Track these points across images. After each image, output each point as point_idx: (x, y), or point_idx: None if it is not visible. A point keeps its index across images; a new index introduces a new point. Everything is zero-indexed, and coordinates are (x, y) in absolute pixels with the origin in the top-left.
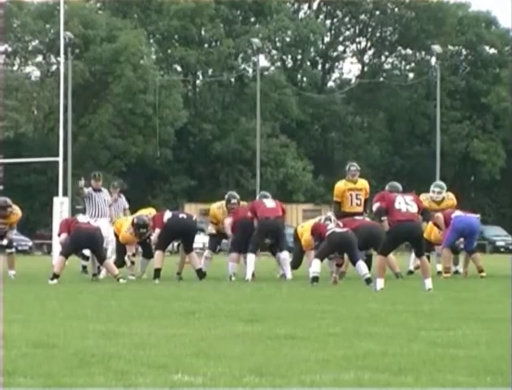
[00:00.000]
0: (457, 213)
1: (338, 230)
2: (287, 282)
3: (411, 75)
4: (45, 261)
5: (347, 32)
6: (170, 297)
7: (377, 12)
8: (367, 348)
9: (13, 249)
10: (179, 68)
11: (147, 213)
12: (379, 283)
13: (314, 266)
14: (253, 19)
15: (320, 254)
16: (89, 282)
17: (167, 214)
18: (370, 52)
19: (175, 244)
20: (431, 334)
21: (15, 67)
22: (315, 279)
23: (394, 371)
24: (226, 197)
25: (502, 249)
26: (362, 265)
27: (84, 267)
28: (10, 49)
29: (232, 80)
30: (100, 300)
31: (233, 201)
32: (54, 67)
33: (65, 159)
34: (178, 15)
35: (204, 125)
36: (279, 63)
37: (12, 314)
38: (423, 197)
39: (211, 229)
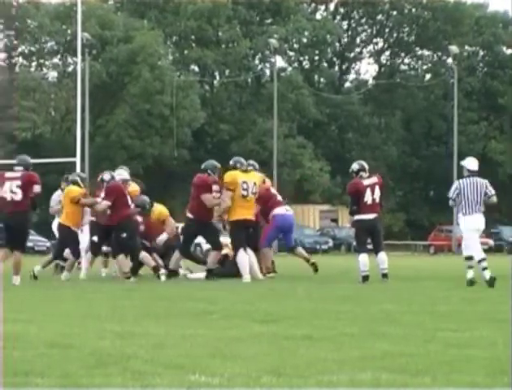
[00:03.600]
0: (278, 210)
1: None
2: (302, 282)
3: (428, 75)
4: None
5: (364, 33)
6: (185, 297)
7: (394, 13)
8: (384, 348)
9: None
10: (196, 69)
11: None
12: None
13: (362, 264)
14: (270, 20)
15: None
16: (102, 282)
17: None
18: (387, 53)
19: None
20: (447, 335)
21: (33, 68)
22: (366, 278)
23: (411, 372)
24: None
25: None
26: (383, 256)
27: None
28: (27, 50)
29: (249, 80)
30: (115, 300)
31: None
32: (71, 68)
33: (82, 160)
34: (195, 15)
35: (221, 126)
36: (296, 64)
37: (29, 314)
38: None
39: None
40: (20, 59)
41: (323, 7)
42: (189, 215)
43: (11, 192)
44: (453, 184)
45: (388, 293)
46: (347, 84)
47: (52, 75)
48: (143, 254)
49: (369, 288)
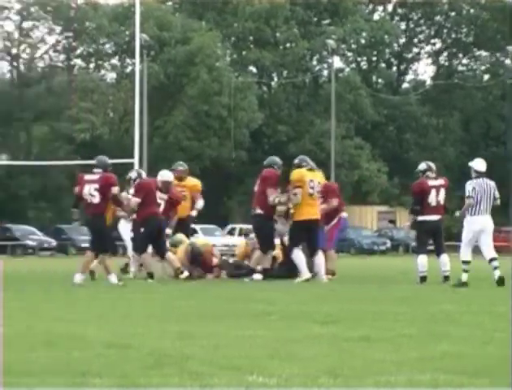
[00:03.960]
0: (343, 213)
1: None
2: (361, 283)
3: (486, 76)
4: (121, 261)
5: (422, 34)
6: (244, 298)
7: (452, 13)
8: (442, 349)
9: None
10: (254, 70)
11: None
12: None
13: (421, 265)
14: (328, 21)
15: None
16: (159, 283)
17: None
18: (445, 53)
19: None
20: (506, 335)
21: (91, 70)
22: (424, 278)
23: (469, 373)
24: None
25: None
26: (445, 259)
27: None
28: (85, 51)
29: (307, 81)
30: (172, 301)
31: None
32: (129, 69)
33: (140, 161)
34: (253, 16)
35: (279, 127)
36: (353, 65)
37: (87, 314)
38: None
39: None
40: (79, 61)
41: (381, 8)
42: (259, 211)
43: (90, 195)
44: (469, 183)
45: (447, 294)
46: (405, 85)
47: (110, 76)
48: (168, 254)
49: (427, 288)
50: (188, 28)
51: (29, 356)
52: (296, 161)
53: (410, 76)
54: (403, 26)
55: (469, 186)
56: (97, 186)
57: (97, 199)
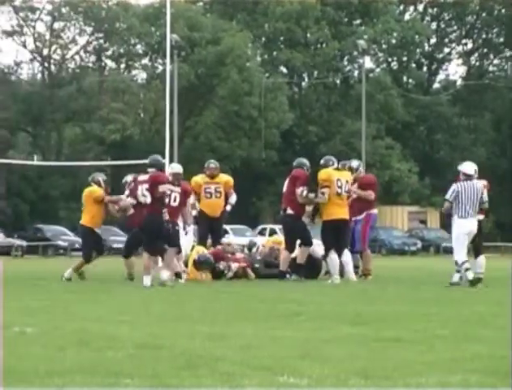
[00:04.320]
0: (374, 209)
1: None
2: (391, 284)
3: None
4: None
5: (453, 34)
6: (274, 299)
7: (483, 14)
8: (474, 350)
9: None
10: (284, 70)
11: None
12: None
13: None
14: (358, 21)
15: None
16: (193, 285)
17: None
18: (476, 53)
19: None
20: None
21: (122, 70)
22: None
23: (501, 374)
24: None
25: None
26: (482, 261)
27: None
28: (116, 52)
29: (338, 81)
30: (204, 302)
31: None
32: (159, 70)
33: (171, 161)
34: (283, 17)
35: (309, 127)
36: (384, 65)
37: (119, 315)
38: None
39: None
40: (109, 61)
41: (411, 8)
42: (290, 211)
43: (143, 195)
44: (451, 186)
45: (479, 295)
46: (435, 85)
47: (141, 76)
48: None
49: (459, 290)
50: (218, 28)
51: (58, 355)
52: (322, 162)
53: (440, 76)
54: (434, 26)
55: (450, 189)
56: (147, 186)
57: (148, 199)
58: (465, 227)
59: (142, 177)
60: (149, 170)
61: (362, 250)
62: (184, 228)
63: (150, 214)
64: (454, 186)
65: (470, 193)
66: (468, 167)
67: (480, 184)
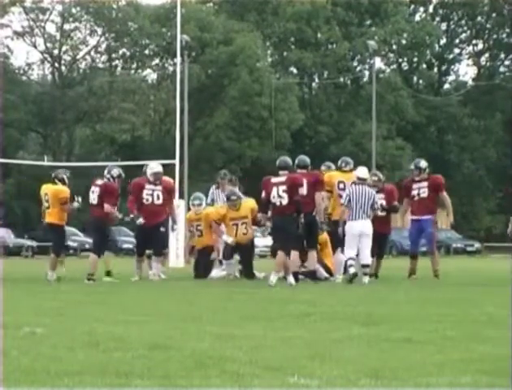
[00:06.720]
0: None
1: None
2: (402, 284)
3: None
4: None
5: (463, 35)
6: (285, 300)
7: (494, 14)
8: (485, 351)
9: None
10: (295, 71)
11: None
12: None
13: None
14: (369, 22)
15: None
16: (204, 284)
17: None
18: (487, 54)
19: None
20: None
21: (132, 71)
22: None
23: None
24: None
25: None
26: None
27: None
28: (127, 52)
29: (348, 82)
30: (215, 302)
31: None
32: (170, 70)
33: (181, 162)
34: (294, 17)
35: (320, 127)
36: (394, 65)
37: (129, 316)
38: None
39: None
40: (120, 62)
41: (422, 9)
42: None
43: (279, 196)
44: (346, 191)
45: (489, 296)
46: (446, 86)
47: (151, 77)
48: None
49: (469, 290)
50: (229, 28)
51: (68, 356)
52: (338, 163)
53: (451, 77)
54: (444, 27)
55: (344, 194)
56: (284, 187)
57: (285, 200)
58: (355, 229)
59: (277, 179)
60: (281, 172)
61: (433, 252)
62: (173, 228)
63: (285, 215)
64: (347, 190)
65: (360, 196)
66: (362, 172)
67: (373, 191)
